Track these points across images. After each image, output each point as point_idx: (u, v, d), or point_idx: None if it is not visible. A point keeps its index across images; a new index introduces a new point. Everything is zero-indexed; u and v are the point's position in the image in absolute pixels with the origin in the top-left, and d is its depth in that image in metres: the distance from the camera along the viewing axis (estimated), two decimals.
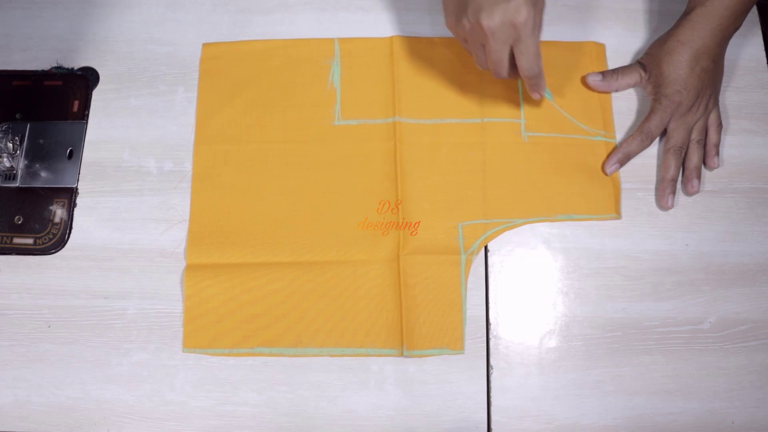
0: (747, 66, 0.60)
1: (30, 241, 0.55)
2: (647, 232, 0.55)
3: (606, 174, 0.57)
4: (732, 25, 0.55)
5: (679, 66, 0.56)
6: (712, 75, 0.56)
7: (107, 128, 0.59)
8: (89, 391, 0.52)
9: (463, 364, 0.52)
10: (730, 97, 0.59)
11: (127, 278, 0.54)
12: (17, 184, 0.57)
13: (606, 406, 0.51)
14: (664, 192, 0.56)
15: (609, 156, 0.57)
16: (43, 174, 0.57)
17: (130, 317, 0.53)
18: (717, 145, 0.57)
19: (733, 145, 0.58)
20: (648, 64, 0.58)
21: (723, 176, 0.57)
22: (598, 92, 0.59)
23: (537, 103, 0.58)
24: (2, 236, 0.56)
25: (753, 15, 0.61)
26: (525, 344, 0.53)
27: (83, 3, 0.62)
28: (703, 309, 0.53)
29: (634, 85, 0.59)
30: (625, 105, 0.59)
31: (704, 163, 0.57)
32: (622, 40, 0.61)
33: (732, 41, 0.61)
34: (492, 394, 0.52)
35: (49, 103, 0.59)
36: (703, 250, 0.55)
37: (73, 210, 0.56)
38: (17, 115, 0.59)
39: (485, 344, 0.53)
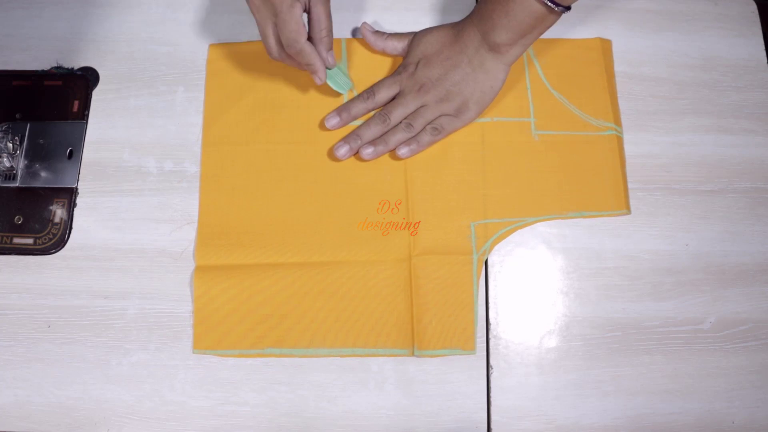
0: (747, 66, 0.60)
1: (30, 241, 0.55)
2: (647, 232, 0.55)
3: (327, 126, 0.56)
4: (495, 34, 0.51)
5: (433, 42, 0.55)
6: (465, 77, 0.54)
7: (107, 128, 0.59)
8: (89, 391, 0.52)
9: (463, 364, 0.52)
10: (730, 97, 0.59)
11: (127, 278, 0.54)
12: (17, 184, 0.57)
13: (606, 406, 0.51)
14: (344, 141, 0.55)
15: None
16: (43, 174, 0.57)
17: (130, 317, 0.53)
18: (419, 145, 0.55)
19: (733, 145, 0.58)
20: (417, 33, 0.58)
21: (723, 176, 0.57)
22: (368, 44, 0.59)
23: (546, 102, 0.58)
24: (2, 236, 0.56)
25: (753, 15, 0.61)
26: (525, 344, 0.53)
27: (83, 3, 0.62)
28: (703, 309, 0.53)
29: (401, 52, 0.58)
30: (625, 105, 0.59)
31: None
32: (623, 40, 0.61)
33: (732, 41, 0.61)
34: (492, 394, 0.52)
35: (49, 103, 0.59)
36: (703, 250, 0.55)
37: (73, 210, 0.56)
38: (17, 115, 0.59)
39: (485, 344, 0.53)
